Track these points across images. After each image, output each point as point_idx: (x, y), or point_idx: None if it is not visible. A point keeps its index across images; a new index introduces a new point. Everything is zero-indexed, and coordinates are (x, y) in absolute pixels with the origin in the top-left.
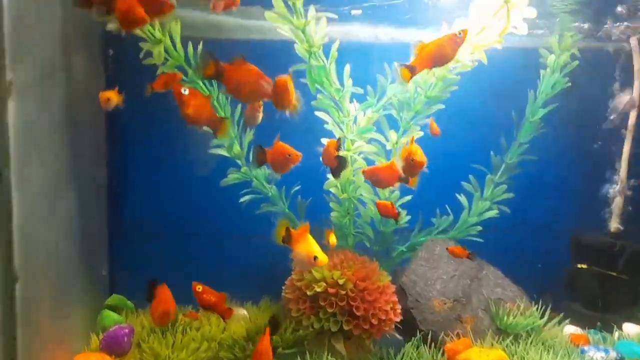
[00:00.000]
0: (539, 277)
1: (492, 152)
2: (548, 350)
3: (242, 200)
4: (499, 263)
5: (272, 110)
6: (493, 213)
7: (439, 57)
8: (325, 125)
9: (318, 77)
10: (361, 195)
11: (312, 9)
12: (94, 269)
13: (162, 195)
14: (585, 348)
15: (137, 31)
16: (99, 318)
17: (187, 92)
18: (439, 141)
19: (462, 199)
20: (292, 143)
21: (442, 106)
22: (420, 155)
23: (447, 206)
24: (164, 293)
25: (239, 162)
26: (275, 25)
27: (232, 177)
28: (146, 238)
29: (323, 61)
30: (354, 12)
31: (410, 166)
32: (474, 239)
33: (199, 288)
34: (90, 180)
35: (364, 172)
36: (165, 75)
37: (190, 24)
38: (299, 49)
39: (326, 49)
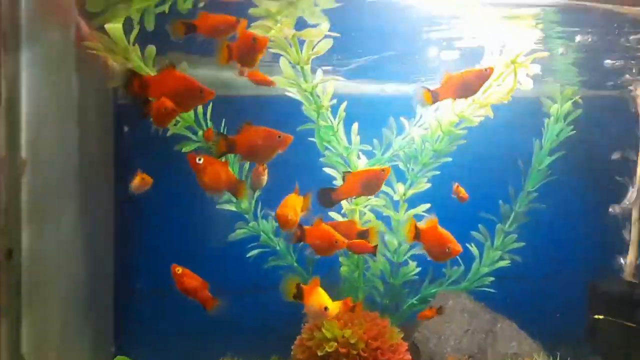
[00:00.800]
0: (555, 330)
1: (501, 201)
2: None
3: (249, 254)
4: (513, 315)
5: (281, 168)
6: (505, 263)
7: (463, 89)
8: (334, 182)
9: (326, 136)
10: None
11: (319, 72)
12: (100, 335)
13: (170, 252)
14: None
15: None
16: None
17: (201, 162)
18: (447, 191)
19: (473, 248)
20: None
21: (449, 159)
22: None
23: (457, 257)
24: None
25: (247, 216)
26: (284, 88)
27: (240, 232)
28: (154, 296)
29: (331, 121)
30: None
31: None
32: (487, 289)
33: (178, 270)
34: (99, 243)
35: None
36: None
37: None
38: (307, 109)
39: (334, 108)
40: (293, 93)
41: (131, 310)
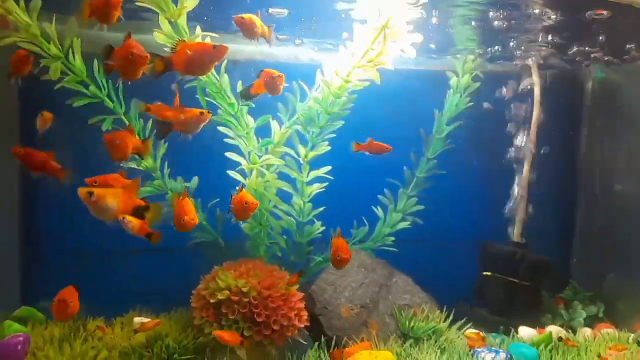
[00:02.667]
0: (450, 285)
1: (405, 167)
2: (442, 351)
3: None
4: (412, 272)
5: None
6: (405, 224)
7: (192, 64)
8: (226, 140)
9: (212, 93)
10: (274, 207)
11: (198, 28)
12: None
13: (76, 212)
14: (479, 349)
15: (37, 48)
16: (0, 329)
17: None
18: (356, 157)
19: (379, 211)
20: (200, 155)
21: (342, 122)
22: (252, 199)
23: (363, 218)
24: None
25: (153, 174)
26: (162, 43)
27: (146, 189)
28: (61, 254)
29: (215, 77)
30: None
31: (244, 209)
32: (389, 248)
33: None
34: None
35: None
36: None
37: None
38: None
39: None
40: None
41: (39, 270)
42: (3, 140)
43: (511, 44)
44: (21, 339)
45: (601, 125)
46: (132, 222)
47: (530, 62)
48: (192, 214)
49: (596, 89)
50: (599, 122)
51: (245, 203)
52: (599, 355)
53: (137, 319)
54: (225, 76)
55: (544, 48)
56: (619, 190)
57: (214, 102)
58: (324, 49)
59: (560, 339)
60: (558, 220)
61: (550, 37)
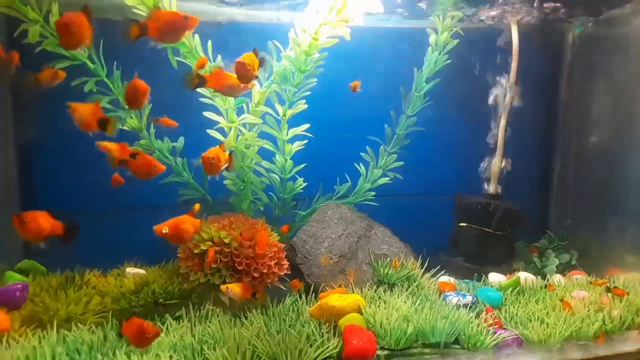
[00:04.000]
0: (427, 236)
1: (385, 125)
2: (413, 296)
3: None
4: (392, 225)
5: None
6: (386, 180)
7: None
8: (201, 99)
9: (184, 53)
10: (256, 164)
11: None
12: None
13: (74, 173)
14: (448, 293)
15: (13, 12)
16: (3, 279)
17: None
18: (340, 115)
19: (361, 168)
20: (183, 115)
21: (316, 80)
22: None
23: (346, 174)
24: None
25: (140, 134)
26: (132, 5)
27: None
28: (59, 214)
29: (187, 39)
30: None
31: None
32: (370, 203)
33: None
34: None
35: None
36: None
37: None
38: None
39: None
40: (141, 11)
41: None
42: None
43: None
44: (19, 286)
45: (579, 78)
46: (234, 289)
47: (509, 17)
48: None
49: (575, 43)
50: (578, 75)
51: (213, 159)
52: (561, 300)
53: (130, 270)
54: (196, 37)
55: (523, 4)
56: (595, 142)
57: (186, 62)
58: (299, 9)
59: (545, 285)
60: (535, 172)
61: None
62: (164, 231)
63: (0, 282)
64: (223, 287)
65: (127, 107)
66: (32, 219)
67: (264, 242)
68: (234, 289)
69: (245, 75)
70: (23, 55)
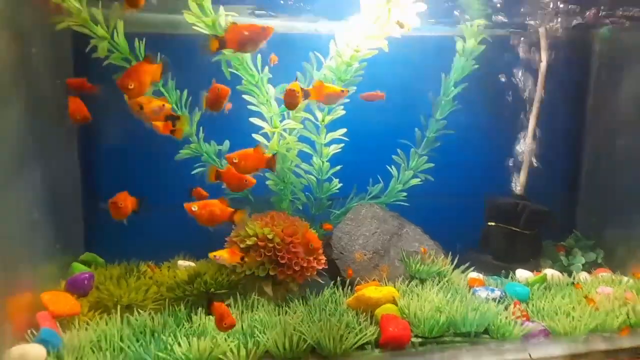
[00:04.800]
0: (458, 235)
1: (416, 129)
2: (445, 290)
3: (194, 172)
4: (423, 224)
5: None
6: (417, 181)
7: (244, 43)
8: (249, 107)
9: (235, 65)
10: (296, 166)
11: (221, 8)
12: (68, 232)
13: (132, 170)
14: (477, 288)
15: (85, 30)
16: (70, 269)
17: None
18: (373, 121)
19: (393, 170)
20: (228, 119)
21: (355, 88)
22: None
23: (378, 176)
24: None
25: (190, 139)
26: (192, 22)
27: (185, 152)
28: None
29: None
30: (257, 12)
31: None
32: (402, 203)
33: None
34: (63, 151)
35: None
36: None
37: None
38: None
39: None
40: (201, 28)
41: (99, 224)
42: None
43: (520, 9)
44: (87, 275)
45: (607, 82)
46: (223, 255)
47: (537, 23)
48: None
49: (603, 48)
50: (605, 78)
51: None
52: (585, 297)
53: (181, 263)
54: None
55: (551, 11)
56: (622, 143)
57: (237, 73)
58: (338, 21)
59: (573, 283)
60: (564, 173)
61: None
62: (193, 209)
63: (68, 272)
64: (211, 255)
65: (206, 109)
66: (122, 199)
67: (315, 238)
68: (222, 255)
69: (292, 102)
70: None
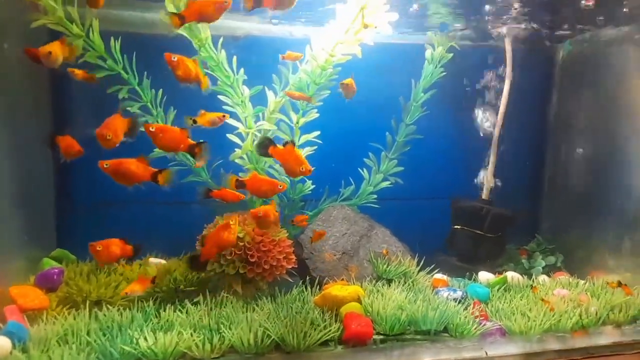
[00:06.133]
0: (425, 237)
1: (387, 133)
2: (408, 290)
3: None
4: (392, 225)
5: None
6: (387, 184)
7: (204, 15)
8: (224, 107)
9: (211, 66)
10: (269, 167)
11: None
12: (39, 228)
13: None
14: (441, 289)
15: (60, 28)
16: (40, 264)
17: (175, 59)
18: (344, 123)
19: (364, 172)
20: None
21: (329, 92)
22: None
23: (350, 178)
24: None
25: None
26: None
27: (158, 151)
28: (89, 206)
29: (215, 53)
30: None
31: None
32: (372, 205)
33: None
34: (37, 152)
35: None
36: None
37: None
38: (195, 44)
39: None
40: (180, 30)
41: (71, 220)
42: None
43: (486, 17)
44: (57, 270)
45: (568, 92)
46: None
47: (503, 32)
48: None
49: (565, 59)
50: (566, 89)
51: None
52: (542, 299)
53: (152, 260)
54: (223, 51)
55: (515, 21)
56: (582, 152)
57: (213, 74)
58: (314, 25)
59: (531, 286)
60: (527, 179)
61: (522, 10)
62: (105, 166)
63: (38, 267)
64: (122, 293)
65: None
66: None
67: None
68: (133, 288)
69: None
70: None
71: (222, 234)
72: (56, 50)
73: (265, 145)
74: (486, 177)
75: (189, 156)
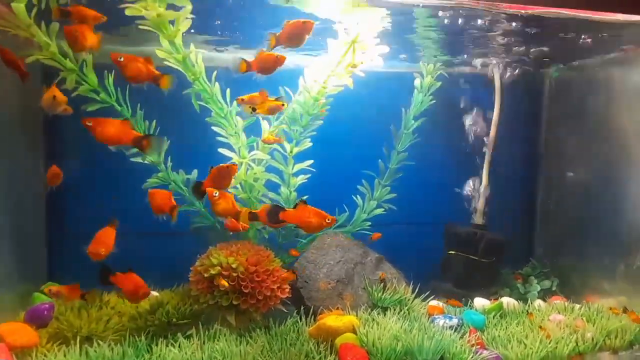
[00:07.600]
0: (419, 263)
1: (379, 160)
2: (404, 318)
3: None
4: (386, 252)
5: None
6: (380, 210)
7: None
8: (218, 138)
9: (205, 98)
10: (263, 196)
11: (192, 45)
12: (31, 263)
13: (95, 199)
14: (436, 316)
15: (54, 63)
16: (31, 299)
17: (122, 59)
18: (339, 152)
19: (358, 199)
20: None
21: (321, 122)
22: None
23: (344, 205)
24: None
25: (158, 167)
26: (164, 58)
27: (152, 181)
28: (81, 237)
29: (208, 85)
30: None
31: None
32: (366, 232)
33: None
34: (28, 184)
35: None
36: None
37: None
38: (189, 76)
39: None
40: (171, 63)
41: (63, 251)
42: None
43: (472, 48)
44: (47, 305)
45: (558, 118)
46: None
47: (491, 61)
48: None
49: (552, 86)
50: (556, 115)
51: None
52: (540, 326)
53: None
54: (217, 84)
55: (503, 51)
56: (574, 177)
57: (207, 107)
58: (306, 56)
59: (527, 312)
60: (520, 205)
61: (509, 41)
62: (88, 124)
63: (28, 302)
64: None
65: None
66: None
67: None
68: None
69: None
70: None
71: (223, 170)
72: (59, 95)
73: (275, 213)
74: (479, 203)
75: (182, 187)
